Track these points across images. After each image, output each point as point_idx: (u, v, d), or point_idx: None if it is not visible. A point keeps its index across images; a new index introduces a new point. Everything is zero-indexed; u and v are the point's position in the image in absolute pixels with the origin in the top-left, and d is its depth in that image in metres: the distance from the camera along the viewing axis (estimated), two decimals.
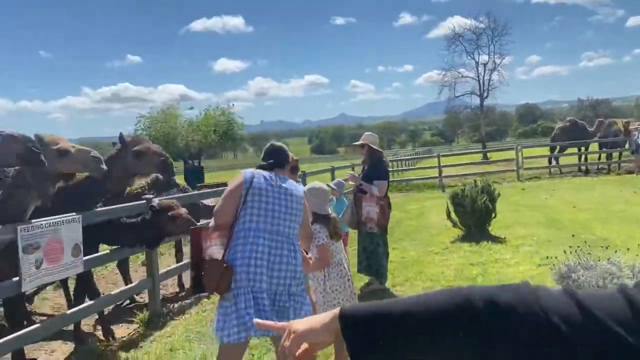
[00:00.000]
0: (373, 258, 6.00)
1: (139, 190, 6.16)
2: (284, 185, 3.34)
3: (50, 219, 4.11)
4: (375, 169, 6.07)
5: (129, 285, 6.01)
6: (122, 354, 4.61)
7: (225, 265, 3.07)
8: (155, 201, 5.09)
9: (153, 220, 4.97)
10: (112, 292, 5.55)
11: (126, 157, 5.15)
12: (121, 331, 5.45)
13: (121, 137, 5.45)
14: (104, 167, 4.41)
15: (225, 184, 8.50)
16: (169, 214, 4.95)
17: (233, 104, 39.48)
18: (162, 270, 5.98)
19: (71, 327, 4.98)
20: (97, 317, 5.42)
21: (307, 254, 3.59)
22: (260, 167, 3.44)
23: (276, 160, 3.47)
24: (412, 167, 24.30)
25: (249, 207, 3.20)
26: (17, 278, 3.86)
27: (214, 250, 3.22)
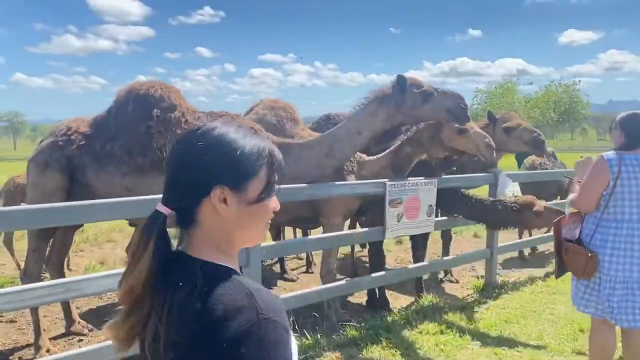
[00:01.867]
0: None
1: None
2: None
3: (413, 180, 4.59)
4: None
5: (465, 252, 6.29)
6: (457, 313, 4.87)
7: (589, 254, 3.14)
8: (510, 197, 5.13)
9: (514, 212, 4.93)
10: (447, 257, 5.93)
11: (494, 133, 5.28)
12: (457, 292, 5.79)
13: (490, 114, 5.70)
14: (494, 155, 4.68)
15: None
16: (534, 209, 4.85)
17: (579, 80, 36.25)
18: (501, 244, 6.02)
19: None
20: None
21: None
22: (623, 146, 3.16)
23: None
24: None
25: (619, 194, 3.10)
26: (382, 227, 4.48)
27: (568, 235, 3.37)
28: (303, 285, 5.97)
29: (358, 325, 4.43)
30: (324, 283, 4.48)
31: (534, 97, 35.32)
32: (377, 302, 5.15)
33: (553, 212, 4.70)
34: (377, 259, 5.05)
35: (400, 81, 4.01)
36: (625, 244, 3.06)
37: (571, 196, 3.35)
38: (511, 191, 5.26)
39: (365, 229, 4.67)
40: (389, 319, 4.62)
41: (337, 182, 4.13)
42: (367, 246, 5.64)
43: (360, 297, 5.46)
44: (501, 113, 5.95)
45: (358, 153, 4.47)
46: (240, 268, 3.64)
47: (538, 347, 4.19)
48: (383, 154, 4.59)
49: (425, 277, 5.76)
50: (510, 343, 4.25)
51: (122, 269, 3.04)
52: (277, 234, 6.24)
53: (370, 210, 5.13)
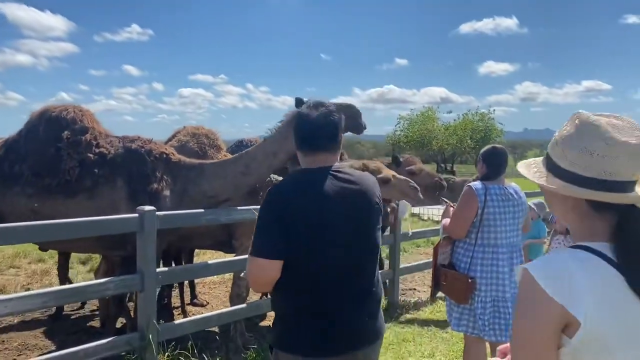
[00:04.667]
0: None
1: None
2: (510, 195, 3.45)
3: None
4: None
5: None
6: None
7: (469, 280, 3.38)
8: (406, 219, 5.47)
9: None
10: None
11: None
12: None
13: (395, 157, 6.12)
14: (421, 196, 4.93)
15: None
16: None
17: (494, 110, 38.59)
18: (402, 265, 6.33)
19: None
20: None
21: None
22: (485, 177, 3.52)
23: (502, 166, 3.54)
24: None
25: (486, 221, 3.41)
26: None
27: (445, 259, 3.63)
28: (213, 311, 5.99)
29: (260, 348, 4.51)
30: (232, 306, 4.54)
31: (452, 124, 37.15)
32: None
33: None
34: None
35: (298, 104, 3.92)
36: (491, 266, 3.37)
37: (444, 221, 3.65)
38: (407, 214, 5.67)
39: None
40: None
41: (239, 207, 4.25)
42: None
43: (269, 320, 5.55)
44: (405, 156, 6.42)
45: (274, 175, 4.61)
46: (135, 294, 3.67)
47: None
48: None
49: None
50: None
51: (13, 294, 3.00)
52: (189, 259, 6.18)
53: None
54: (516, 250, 3.46)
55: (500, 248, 3.39)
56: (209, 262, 4.27)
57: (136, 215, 3.49)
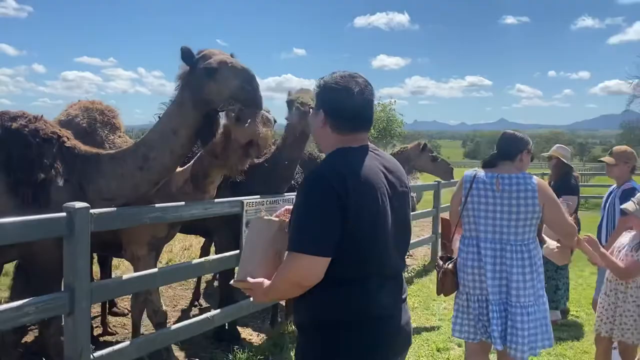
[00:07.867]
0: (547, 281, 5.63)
1: None
2: (507, 185, 2.99)
3: (271, 197, 4.14)
4: (564, 182, 5.41)
5: None
6: None
7: (443, 270, 3.11)
8: None
9: None
10: None
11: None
12: None
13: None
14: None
15: None
16: None
17: (395, 101, 39.51)
18: None
19: None
20: None
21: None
22: (484, 163, 3.18)
23: (500, 151, 3.14)
24: (586, 184, 21.48)
25: (470, 211, 3.07)
26: (237, 252, 3.92)
27: (457, 244, 3.25)
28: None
29: None
30: (155, 325, 3.74)
31: None
32: (227, 335, 4.56)
33: None
34: (228, 290, 4.42)
35: (185, 54, 3.05)
36: (475, 261, 3.02)
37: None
38: None
39: (218, 256, 4.02)
40: (243, 355, 4.07)
41: (187, 202, 3.50)
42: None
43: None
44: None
45: None
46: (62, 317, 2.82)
47: None
48: (189, 164, 3.76)
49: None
50: None
51: None
52: (102, 264, 5.14)
53: (219, 233, 4.52)
54: (511, 250, 2.94)
55: (483, 242, 2.99)
56: (153, 271, 3.40)
57: (63, 214, 2.64)
